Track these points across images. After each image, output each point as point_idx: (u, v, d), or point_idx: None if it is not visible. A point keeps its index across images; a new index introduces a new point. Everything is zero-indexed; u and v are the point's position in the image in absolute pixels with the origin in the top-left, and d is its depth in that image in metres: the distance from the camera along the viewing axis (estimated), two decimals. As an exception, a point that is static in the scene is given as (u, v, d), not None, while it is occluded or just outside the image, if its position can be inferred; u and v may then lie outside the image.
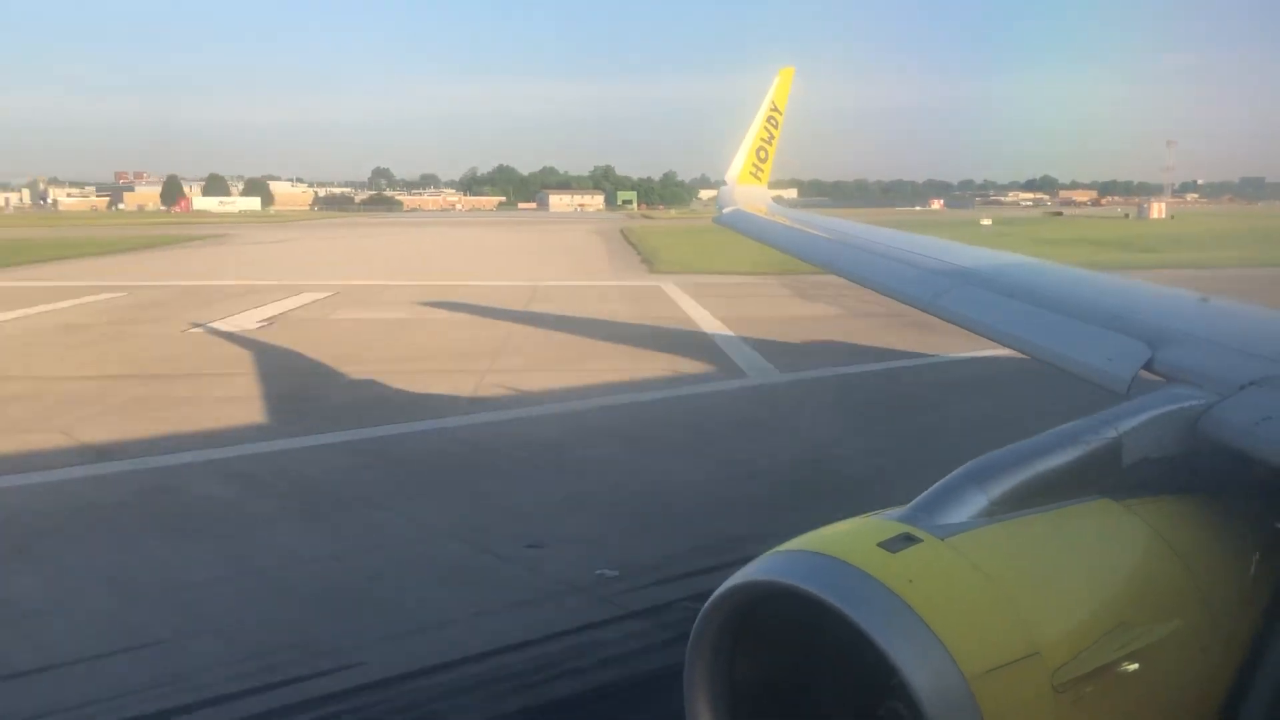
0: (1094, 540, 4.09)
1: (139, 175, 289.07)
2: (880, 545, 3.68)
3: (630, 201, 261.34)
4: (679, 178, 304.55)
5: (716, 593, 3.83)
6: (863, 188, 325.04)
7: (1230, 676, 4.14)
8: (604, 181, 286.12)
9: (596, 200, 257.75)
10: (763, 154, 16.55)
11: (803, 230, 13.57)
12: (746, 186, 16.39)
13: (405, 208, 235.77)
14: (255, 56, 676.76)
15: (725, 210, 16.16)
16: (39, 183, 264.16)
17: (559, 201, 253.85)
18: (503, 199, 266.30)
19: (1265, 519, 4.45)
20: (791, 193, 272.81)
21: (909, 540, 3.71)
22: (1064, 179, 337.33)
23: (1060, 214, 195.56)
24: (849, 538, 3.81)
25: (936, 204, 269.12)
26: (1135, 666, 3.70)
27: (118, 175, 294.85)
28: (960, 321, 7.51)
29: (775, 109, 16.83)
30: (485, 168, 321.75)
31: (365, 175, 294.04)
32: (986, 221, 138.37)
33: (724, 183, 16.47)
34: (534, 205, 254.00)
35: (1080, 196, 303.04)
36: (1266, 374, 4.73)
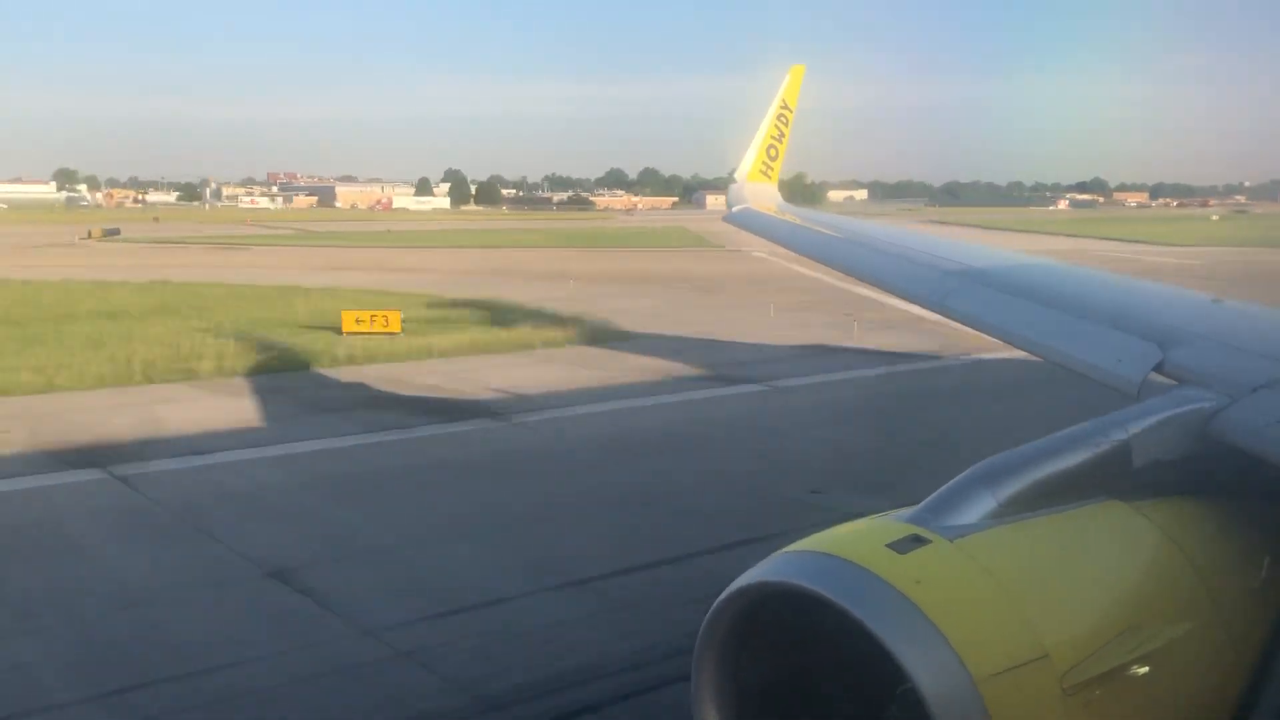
0: (1103, 543, 4.10)
1: (290, 175, 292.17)
2: (888, 546, 3.70)
3: None
4: (806, 179, 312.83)
5: (724, 593, 3.86)
6: (926, 189, 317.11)
7: (1242, 679, 4.13)
8: None
9: None
10: (773, 152, 16.44)
11: (811, 229, 13.56)
12: (756, 184, 16.26)
13: (598, 207, 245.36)
14: (319, 57, 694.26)
15: (735, 208, 16.09)
16: (209, 182, 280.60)
17: (715, 201, 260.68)
18: (676, 199, 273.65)
19: (1276, 522, 4.46)
20: (861, 194, 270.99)
21: (917, 541, 3.73)
22: (1112, 181, 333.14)
23: (1245, 211, 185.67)
24: (857, 538, 3.85)
25: (1062, 204, 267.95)
26: (1146, 669, 3.71)
27: (270, 175, 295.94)
28: (968, 321, 7.51)
29: (786, 107, 16.69)
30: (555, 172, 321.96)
31: (438, 175, 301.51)
32: (1215, 216, 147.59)
33: (734, 180, 16.51)
34: (674, 201, 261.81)
35: (1132, 199, 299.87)
36: (1278, 376, 4.72)
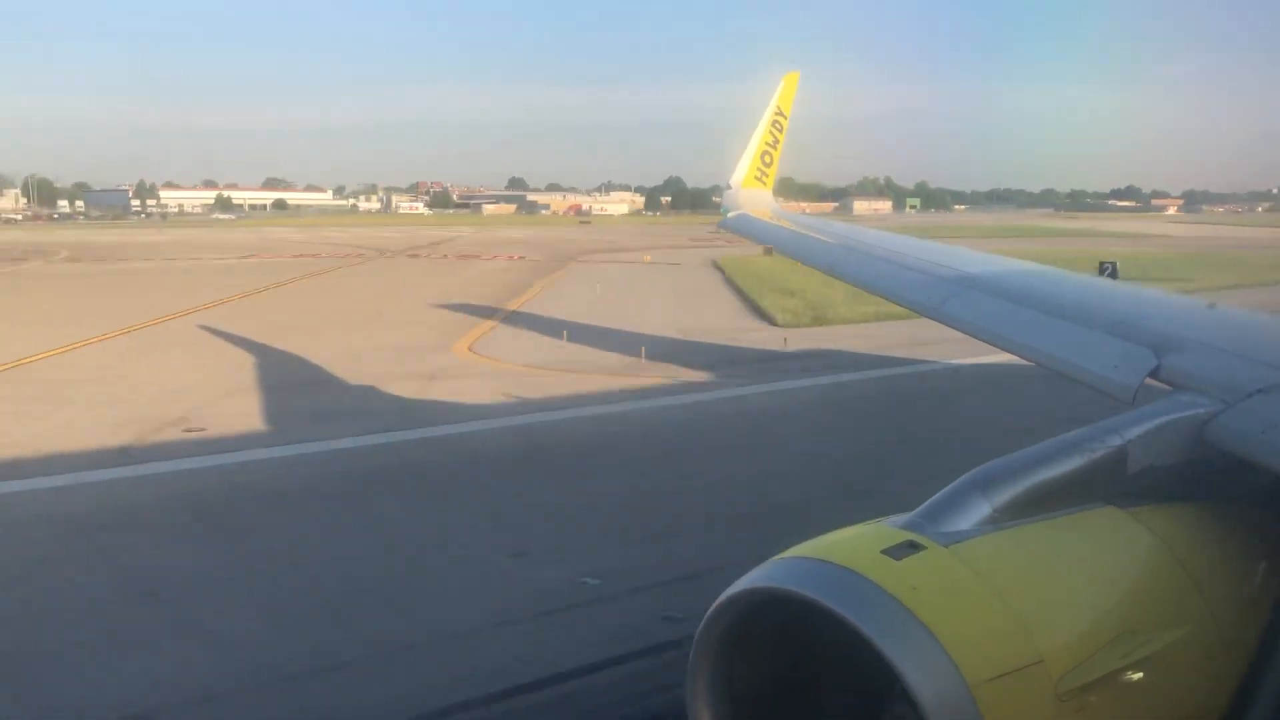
0: (1098, 548, 4.10)
1: (437, 185, 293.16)
2: (884, 552, 3.71)
3: (915, 206, 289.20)
4: (930, 185, 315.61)
5: (720, 599, 3.86)
6: (975, 195, 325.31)
7: (1235, 685, 4.14)
8: (886, 190, 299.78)
9: (886, 205, 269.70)
10: (767, 158, 16.50)
11: (807, 234, 13.62)
12: (751, 190, 16.39)
13: None
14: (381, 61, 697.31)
15: (730, 214, 16.22)
16: (378, 189, 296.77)
17: (861, 206, 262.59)
18: (836, 205, 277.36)
19: (1271, 527, 4.48)
20: (915, 202, 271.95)
21: (913, 548, 3.73)
22: (1146, 188, 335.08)
23: None
24: (852, 545, 3.85)
25: (1173, 209, 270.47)
26: (1140, 675, 3.72)
27: (420, 185, 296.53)
28: (965, 328, 7.53)
29: (780, 113, 16.74)
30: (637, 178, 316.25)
31: (503, 182, 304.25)
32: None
33: (728, 187, 16.64)
34: (835, 206, 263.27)
35: (1168, 205, 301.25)
36: (1274, 381, 4.72)
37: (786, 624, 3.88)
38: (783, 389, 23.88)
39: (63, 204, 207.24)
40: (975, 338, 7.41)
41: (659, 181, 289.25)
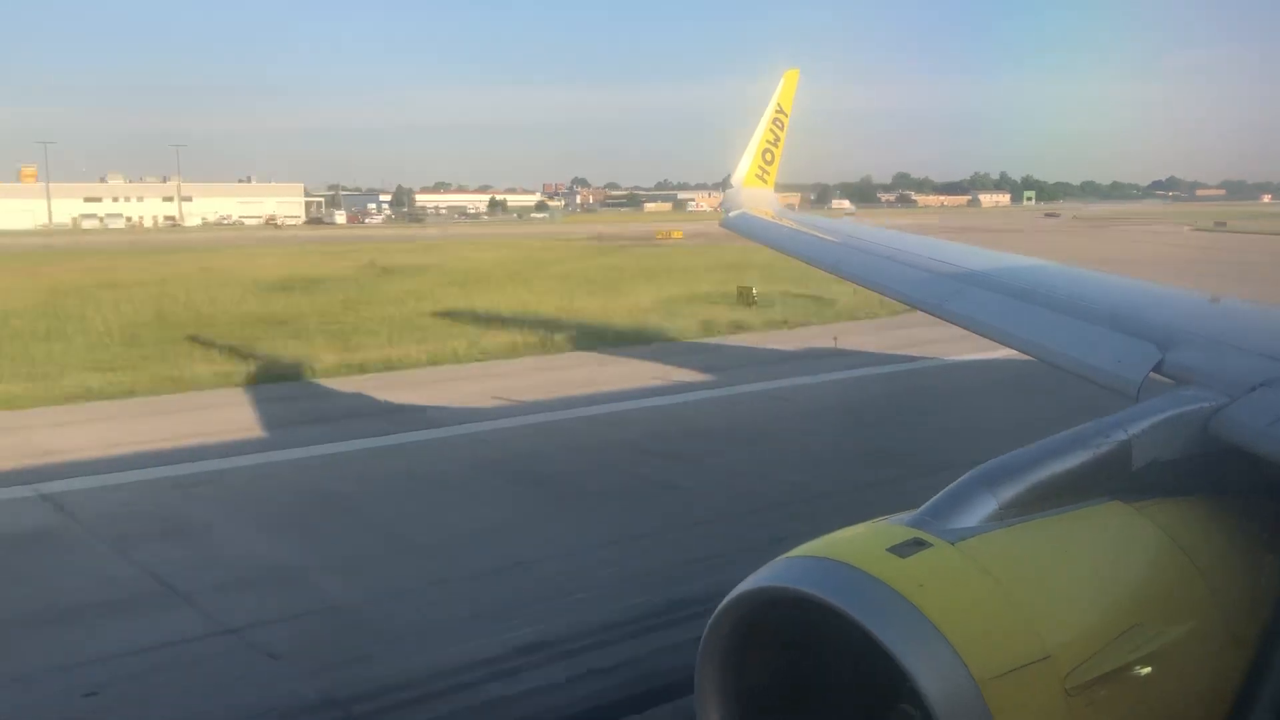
0: (1105, 543, 4.10)
1: (560, 186, 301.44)
2: (890, 550, 3.70)
3: (1031, 198, 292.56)
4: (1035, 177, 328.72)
5: (727, 598, 3.87)
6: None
7: (1242, 677, 4.15)
8: (1002, 183, 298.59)
9: (1005, 198, 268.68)
10: (769, 156, 16.28)
11: (809, 233, 13.55)
12: (753, 189, 16.17)
13: (920, 205, 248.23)
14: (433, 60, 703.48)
15: (731, 214, 16.04)
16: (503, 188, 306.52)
17: (986, 199, 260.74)
18: (969, 198, 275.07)
19: (1277, 520, 4.48)
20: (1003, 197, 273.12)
21: (919, 545, 3.73)
22: (1188, 178, 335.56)
23: None
24: (858, 543, 3.85)
25: (1266, 198, 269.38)
26: (1148, 669, 3.73)
27: (546, 186, 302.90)
28: (969, 325, 7.53)
29: (781, 111, 16.50)
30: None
31: (567, 180, 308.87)
32: None
33: (730, 185, 16.45)
34: (968, 199, 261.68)
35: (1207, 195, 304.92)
36: (1278, 374, 4.72)
37: (793, 623, 3.89)
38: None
39: (372, 206, 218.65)
40: (979, 334, 7.34)
41: (719, 178, 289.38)
